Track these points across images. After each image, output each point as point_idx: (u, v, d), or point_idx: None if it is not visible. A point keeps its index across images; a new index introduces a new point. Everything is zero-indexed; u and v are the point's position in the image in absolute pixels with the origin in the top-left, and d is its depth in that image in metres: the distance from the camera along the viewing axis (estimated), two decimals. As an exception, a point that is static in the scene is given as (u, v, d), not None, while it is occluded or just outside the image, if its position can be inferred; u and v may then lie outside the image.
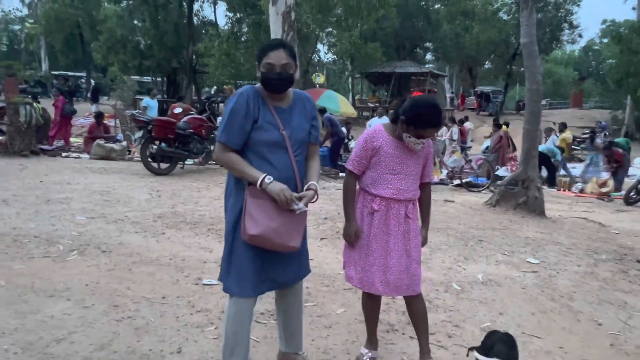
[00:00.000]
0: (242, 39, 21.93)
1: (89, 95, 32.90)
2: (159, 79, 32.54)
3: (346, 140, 15.57)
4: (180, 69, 28.89)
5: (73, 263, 4.36)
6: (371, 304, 3.02)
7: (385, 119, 14.62)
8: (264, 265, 2.52)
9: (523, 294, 4.36)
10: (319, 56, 37.52)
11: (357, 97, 35.30)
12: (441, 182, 12.09)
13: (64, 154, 11.87)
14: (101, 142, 11.73)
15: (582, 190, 12.16)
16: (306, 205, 2.48)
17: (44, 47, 42.77)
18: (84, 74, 40.82)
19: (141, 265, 4.40)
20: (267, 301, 3.88)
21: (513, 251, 5.53)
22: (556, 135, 16.08)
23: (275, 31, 10.55)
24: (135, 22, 29.43)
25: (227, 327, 2.55)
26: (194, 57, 28.17)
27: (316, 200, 2.56)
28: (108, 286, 3.94)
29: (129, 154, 12.23)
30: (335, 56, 29.72)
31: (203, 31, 30.98)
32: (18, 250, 4.54)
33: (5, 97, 15.64)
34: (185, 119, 9.92)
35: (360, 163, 2.84)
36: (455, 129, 14.82)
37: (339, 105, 18.83)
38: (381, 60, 30.23)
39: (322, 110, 13.11)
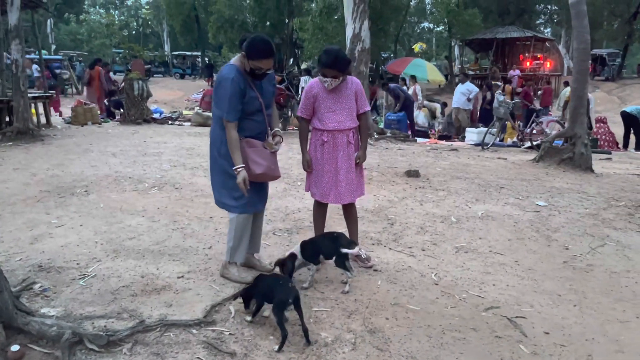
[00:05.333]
0: (335, 15, 22.78)
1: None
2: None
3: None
4: (282, 44, 30.50)
5: (152, 195, 5.73)
6: (319, 211, 4.02)
7: (469, 85, 14.91)
8: (257, 192, 3.55)
9: (512, 226, 5.01)
10: (419, 26, 37.18)
11: (457, 65, 34.72)
12: (514, 145, 12.29)
13: (170, 122, 13.73)
14: (199, 110, 13.43)
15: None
16: (278, 145, 3.52)
17: (166, 29, 46.85)
18: (199, 54, 44.19)
19: (201, 197, 5.66)
20: (283, 221, 4.96)
21: (528, 196, 6.08)
22: None
23: (348, 4, 11.38)
24: (242, 1, 31.43)
25: (236, 233, 3.59)
26: (293, 32, 29.60)
27: (282, 141, 3.56)
28: (173, 209, 5.24)
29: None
30: (431, 24, 29.46)
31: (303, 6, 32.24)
32: (116, 186, 6.01)
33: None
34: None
35: (306, 109, 3.81)
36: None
37: (427, 72, 19.17)
38: (480, 27, 29.51)
39: (385, 83, 13.80)
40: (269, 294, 2.95)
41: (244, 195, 3.39)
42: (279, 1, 29.68)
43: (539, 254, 4.34)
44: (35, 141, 8.99)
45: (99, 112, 13.65)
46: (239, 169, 3.30)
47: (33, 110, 11.10)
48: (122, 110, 13.43)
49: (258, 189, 3.56)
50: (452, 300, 3.45)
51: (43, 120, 11.44)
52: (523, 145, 11.93)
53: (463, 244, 4.51)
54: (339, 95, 3.75)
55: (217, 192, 3.62)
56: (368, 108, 3.93)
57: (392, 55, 28.35)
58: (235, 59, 3.43)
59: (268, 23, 29.81)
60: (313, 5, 29.10)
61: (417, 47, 36.03)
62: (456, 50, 36.99)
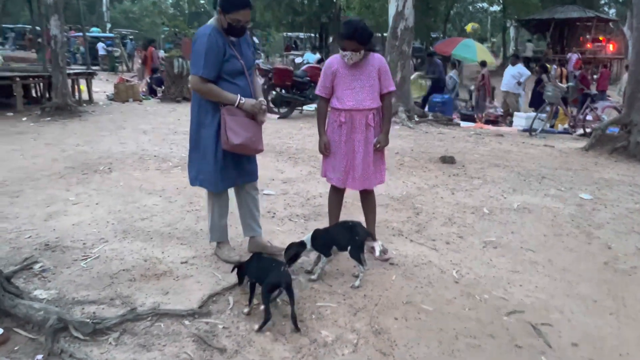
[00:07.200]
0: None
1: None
2: (311, 35, 34.30)
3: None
4: (329, 23, 30.05)
5: (174, 174, 5.62)
6: (335, 198, 3.76)
7: (520, 68, 14.16)
8: (236, 166, 3.34)
9: (550, 220, 4.60)
10: (473, 6, 35.83)
11: (512, 47, 33.29)
12: (565, 131, 11.57)
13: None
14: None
15: None
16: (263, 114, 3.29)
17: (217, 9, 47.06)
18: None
19: (223, 179, 5.50)
20: (302, 207, 4.73)
21: (572, 188, 5.61)
22: None
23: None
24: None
25: (214, 211, 3.46)
26: (340, 11, 29.07)
27: (265, 111, 3.33)
28: (192, 190, 5.05)
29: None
30: (485, 4, 28.24)
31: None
32: (140, 164, 5.94)
33: (184, 54, 17.61)
34: (303, 67, 10.90)
35: (324, 87, 3.52)
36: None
37: (477, 54, 18.29)
38: (537, 6, 28.01)
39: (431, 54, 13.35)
40: (261, 274, 2.81)
41: (224, 169, 3.26)
42: (327, -21, 29.19)
43: (577, 252, 3.94)
44: (73, 117, 9.10)
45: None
46: (240, 101, 3.14)
47: (81, 87, 11.37)
48: (162, 87, 13.50)
49: (234, 164, 3.33)
50: (471, 301, 3.14)
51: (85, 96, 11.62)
52: (575, 132, 11.19)
53: (492, 238, 4.15)
54: (359, 72, 3.44)
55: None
56: (393, 88, 3.60)
57: (441, 35, 27.38)
58: (211, 20, 3.23)
59: (315, 2, 29.35)
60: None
61: (469, 28, 34.68)
62: (511, 32, 35.42)
